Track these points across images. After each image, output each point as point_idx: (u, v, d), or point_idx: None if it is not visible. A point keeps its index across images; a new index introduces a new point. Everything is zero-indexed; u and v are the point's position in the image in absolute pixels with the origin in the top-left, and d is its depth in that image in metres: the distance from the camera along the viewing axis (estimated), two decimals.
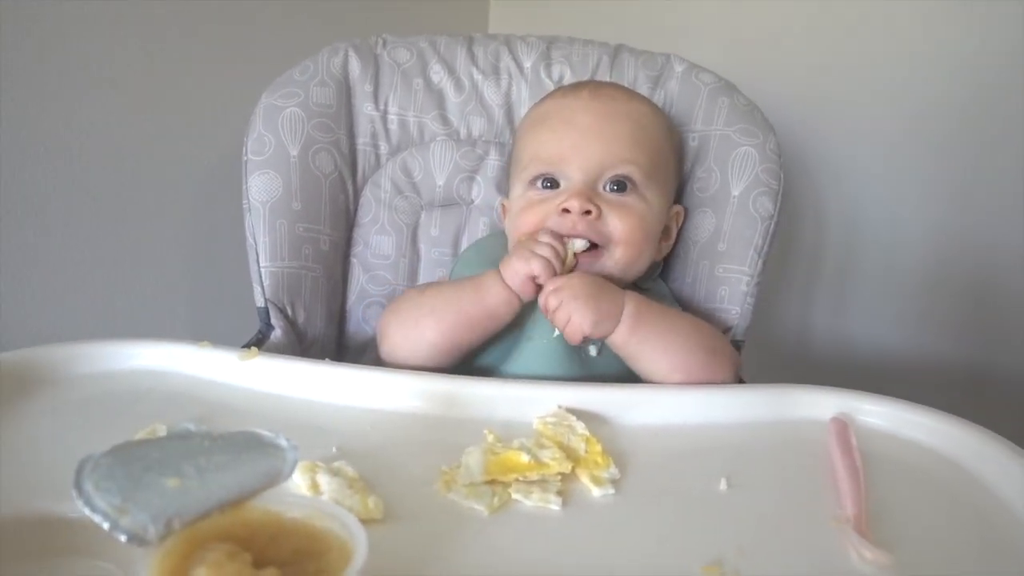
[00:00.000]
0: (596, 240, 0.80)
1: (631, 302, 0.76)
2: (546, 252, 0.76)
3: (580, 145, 0.81)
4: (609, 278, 0.80)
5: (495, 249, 0.90)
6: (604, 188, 0.81)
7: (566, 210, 0.79)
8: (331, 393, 0.70)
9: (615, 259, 0.81)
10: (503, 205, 0.93)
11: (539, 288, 0.76)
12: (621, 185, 0.81)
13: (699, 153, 0.94)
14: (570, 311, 0.73)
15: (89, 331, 1.07)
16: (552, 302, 0.74)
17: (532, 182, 0.84)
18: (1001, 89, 1.36)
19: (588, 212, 0.79)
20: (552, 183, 0.83)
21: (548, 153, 0.82)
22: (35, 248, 1.04)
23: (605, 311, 0.74)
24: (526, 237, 0.81)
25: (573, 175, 0.81)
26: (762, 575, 0.48)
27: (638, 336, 0.75)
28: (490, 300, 0.77)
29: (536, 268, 0.75)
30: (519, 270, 0.75)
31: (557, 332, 0.77)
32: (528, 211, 0.83)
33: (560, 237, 0.78)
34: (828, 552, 0.50)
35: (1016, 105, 1.35)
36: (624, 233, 0.80)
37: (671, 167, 0.88)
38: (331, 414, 0.68)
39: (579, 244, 0.78)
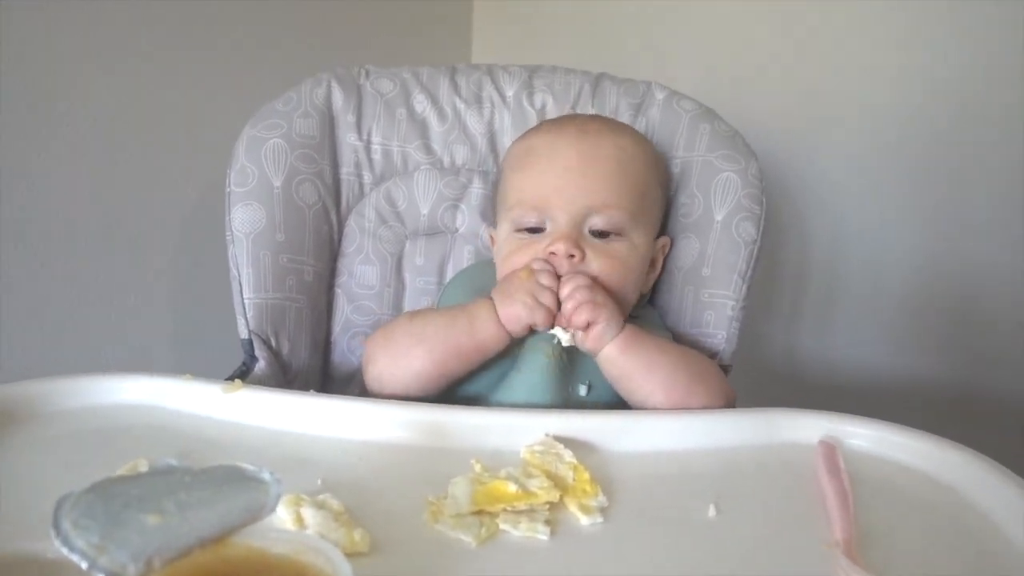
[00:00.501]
0: None
1: (628, 323, 0.78)
2: (548, 301, 0.76)
3: (564, 189, 0.81)
4: None
5: (482, 278, 0.90)
6: (588, 232, 0.82)
7: (553, 253, 0.80)
8: (316, 425, 0.69)
9: None
10: (491, 236, 0.93)
11: (532, 330, 0.77)
12: (604, 232, 0.82)
13: (682, 179, 0.94)
14: (591, 311, 0.75)
15: (70, 366, 1.05)
16: (570, 305, 0.76)
17: (518, 227, 0.84)
18: (980, 111, 1.38)
19: (572, 256, 0.80)
20: (537, 228, 0.83)
21: (533, 196, 0.83)
22: (15, 283, 1.03)
23: (616, 311, 0.77)
24: (525, 273, 0.81)
25: (558, 218, 0.81)
26: None
27: (630, 354, 0.76)
28: (482, 335, 0.77)
29: (539, 320, 0.76)
30: (521, 317, 0.76)
31: (551, 349, 0.78)
32: (516, 255, 0.83)
33: (556, 276, 0.78)
34: None
35: (995, 125, 1.37)
36: (606, 277, 0.81)
37: (657, 200, 0.89)
38: (316, 446, 0.67)
39: (565, 337, 0.78)
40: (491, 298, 0.79)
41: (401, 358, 0.79)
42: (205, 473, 0.44)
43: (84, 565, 0.37)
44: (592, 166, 0.82)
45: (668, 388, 0.76)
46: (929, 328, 1.49)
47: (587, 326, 0.76)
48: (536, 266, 0.79)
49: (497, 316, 0.77)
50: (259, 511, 0.43)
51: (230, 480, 0.44)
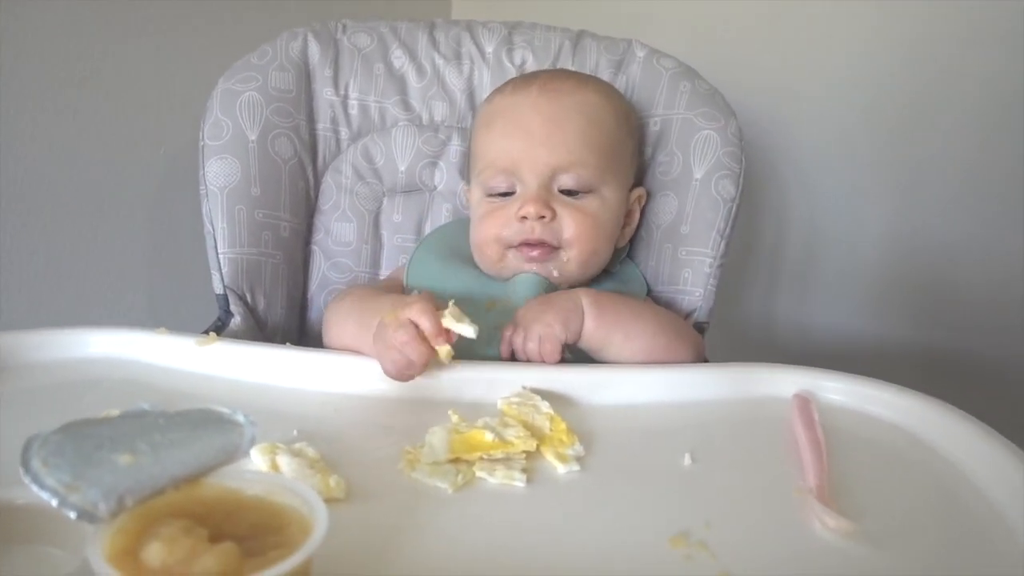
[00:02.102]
0: (551, 242, 0.81)
1: (585, 295, 0.76)
2: (412, 353, 0.65)
3: (530, 151, 0.81)
4: (566, 277, 0.83)
5: (456, 236, 0.91)
6: (558, 191, 0.82)
7: (524, 217, 0.80)
8: (292, 378, 0.69)
9: (569, 258, 0.82)
10: (468, 191, 0.92)
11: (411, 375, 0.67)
12: (574, 191, 0.82)
13: (661, 137, 0.94)
14: (536, 337, 0.72)
15: (42, 323, 1.04)
16: (517, 344, 0.73)
17: (488, 192, 0.85)
18: (954, 81, 1.39)
19: (543, 217, 0.80)
20: (507, 192, 0.83)
21: (500, 160, 0.83)
22: None
23: (564, 314, 0.73)
24: (484, 244, 0.83)
25: (527, 180, 0.82)
26: (728, 545, 0.48)
27: (603, 323, 0.75)
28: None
29: (403, 375, 0.67)
30: (389, 372, 0.67)
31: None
32: (486, 220, 0.84)
33: (425, 312, 0.65)
34: (792, 522, 0.51)
35: (969, 96, 1.38)
36: (576, 235, 0.81)
37: (628, 152, 0.89)
38: (292, 398, 0.67)
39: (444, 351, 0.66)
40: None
41: (335, 329, 0.77)
42: (179, 416, 0.44)
43: (54, 503, 0.36)
44: (557, 125, 0.82)
45: (651, 351, 0.75)
46: (901, 295, 1.51)
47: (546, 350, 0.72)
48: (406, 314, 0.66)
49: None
50: (233, 452, 0.42)
51: (204, 422, 0.44)
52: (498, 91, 0.89)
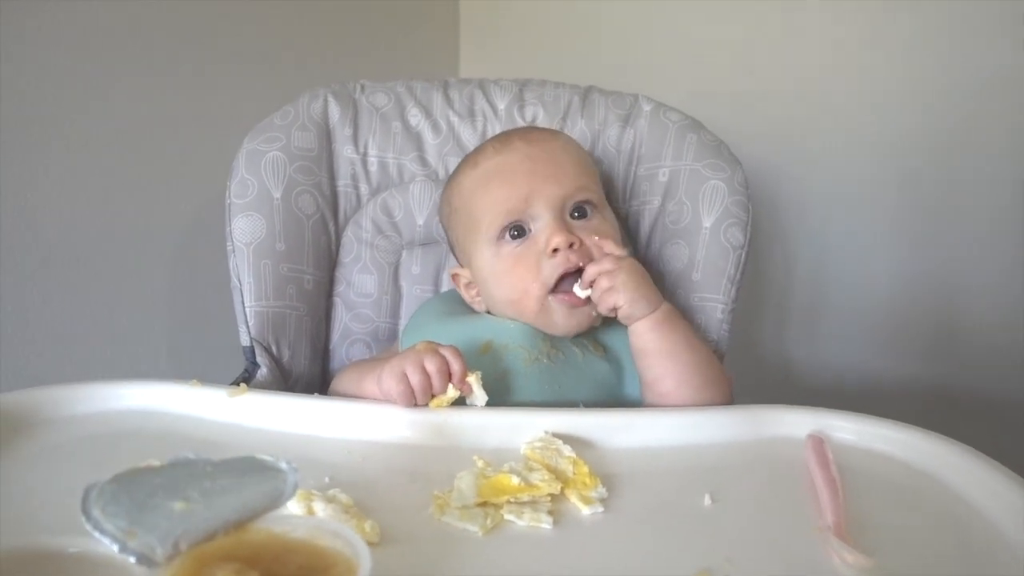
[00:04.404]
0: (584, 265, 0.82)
1: (668, 304, 0.81)
2: (416, 381, 0.71)
3: (538, 186, 0.83)
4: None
5: (447, 303, 0.93)
6: (569, 217, 0.84)
7: (555, 249, 0.81)
8: (321, 426, 0.71)
9: None
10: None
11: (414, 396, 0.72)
12: (583, 211, 0.85)
13: (669, 187, 0.97)
14: (611, 296, 0.78)
15: (67, 377, 1.06)
16: (604, 283, 0.78)
17: (500, 236, 0.84)
18: (964, 128, 1.41)
19: (571, 244, 0.81)
20: (520, 231, 0.84)
21: (509, 202, 0.83)
22: (15, 293, 1.04)
23: (644, 293, 0.79)
24: (524, 295, 0.83)
25: (541, 214, 0.83)
26: None
27: (661, 333, 0.78)
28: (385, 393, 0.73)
29: (404, 399, 0.71)
30: (392, 396, 0.72)
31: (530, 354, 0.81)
32: (515, 271, 0.83)
33: (458, 356, 0.73)
34: (811, 558, 0.52)
35: (979, 142, 1.40)
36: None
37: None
38: (322, 446, 0.69)
39: (451, 397, 0.73)
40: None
41: (338, 387, 0.85)
42: (225, 464, 0.46)
43: (115, 548, 0.39)
44: (552, 160, 0.85)
45: (680, 381, 0.78)
46: (911, 334, 1.53)
47: (614, 310, 0.79)
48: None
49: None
50: (278, 498, 0.44)
51: (249, 470, 0.46)
52: (479, 155, 0.89)
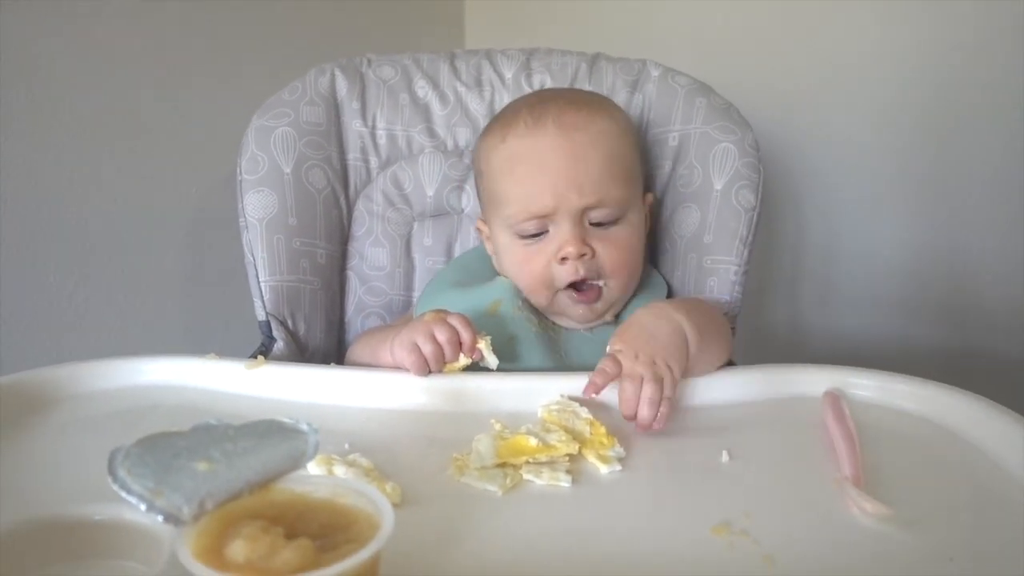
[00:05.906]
0: (593, 277, 0.83)
1: (681, 315, 0.73)
2: (428, 350, 0.72)
3: (559, 193, 0.81)
4: (609, 303, 0.86)
5: (469, 266, 0.94)
6: (588, 223, 0.83)
7: (564, 258, 0.82)
8: (339, 395, 0.72)
9: (611, 288, 0.85)
10: (479, 227, 0.94)
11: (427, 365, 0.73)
12: (603, 222, 0.84)
13: (680, 151, 0.97)
14: (648, 399, 0.65)
15: (90, 355, 1.08)
16: (629, 390, 0.66)
17: (519, 232, 0.85)
18: (973, 89, 1.40)
19: (583, 255, 0.82)
20: (538, 229, 0.84)
21: (532, 205, 0.83)
22: (26, 280, 1.05)
23: (673, 351, 0.70)
24: (532, 290, 0.85)
25: (560, 222, 0.83)
26: (769, 532, 0.50)
27: (701, 345, 0.72)
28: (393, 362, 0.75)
29: (416, 366, 0.72)
30: (403, 362, 0.73)
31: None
32: (527, 265, 0.85)
33: (467, 325, 0.74)
34: (830, 508, 0.53)
35: (989, 104, 1.39)
36: (616, 266, 0.84)
37: (638, 166, 0.90)
38: (340, 415, 0.70)
39: (462, 364, 0.74)
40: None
41: (353, 356, 0.86)
42: (246, 427, 0.47)
43: (142, 507, 0.39)
44: (581, 164, 0.82)
45: (720, 357, 0.76)
46: (923, 298, 1.52)
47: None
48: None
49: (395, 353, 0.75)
50: (300, 458, 0.45)
51: (271, 432, 0.46)
52: (510, 128, 0.86)
